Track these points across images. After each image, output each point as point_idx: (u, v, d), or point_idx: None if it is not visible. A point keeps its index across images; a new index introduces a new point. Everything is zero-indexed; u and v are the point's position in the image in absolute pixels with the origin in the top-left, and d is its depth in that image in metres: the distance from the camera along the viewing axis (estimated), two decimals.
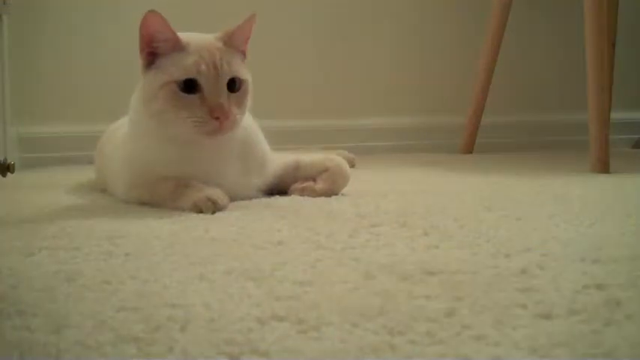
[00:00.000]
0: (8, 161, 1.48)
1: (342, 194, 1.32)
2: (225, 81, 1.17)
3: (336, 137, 2.31)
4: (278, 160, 1.35)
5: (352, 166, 1.64)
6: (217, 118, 1.15)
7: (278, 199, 1.27)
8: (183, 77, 1.16)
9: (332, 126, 2.37)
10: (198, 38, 1.21)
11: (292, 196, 1.30)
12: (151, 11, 1.16)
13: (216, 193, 1.17)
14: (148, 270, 0.79)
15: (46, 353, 0.55)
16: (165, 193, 1.21)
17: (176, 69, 1.16)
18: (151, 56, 1.19)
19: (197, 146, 1.20)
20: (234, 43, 1.22)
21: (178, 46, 1.18)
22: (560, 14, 2.53)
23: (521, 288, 0.70)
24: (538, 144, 2.49)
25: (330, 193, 1.30)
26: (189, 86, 1.16)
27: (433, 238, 0.94)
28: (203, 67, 1.16)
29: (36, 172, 1.93)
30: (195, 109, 1.15)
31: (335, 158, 1.35)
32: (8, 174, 1.47)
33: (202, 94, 1.16)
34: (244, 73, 1.22)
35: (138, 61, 1.22)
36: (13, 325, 0.61)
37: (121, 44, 2.20)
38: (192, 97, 1.16)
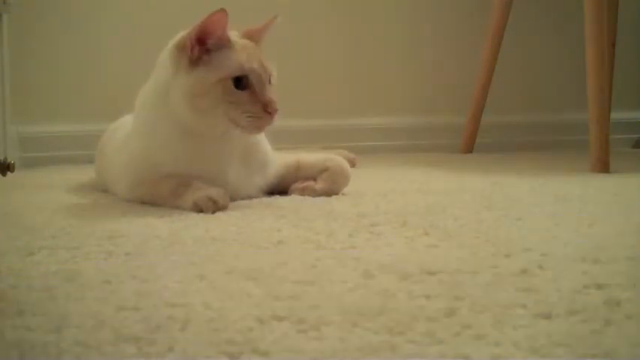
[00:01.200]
0: (8, 160, 1.47)
1: (343, 194, 1.32)
2: (268, 78, 1.21)
3: (337, 137, 2.31)
4: (279, 160, 1.35)
5: (353, 165, 1.64)
6: (269, 113, 1.18)
7: (278, 199, 1.28)
8: (237, 74, 1.18)
9: (332, 126, 2.37)
10: (232, 36, 1.23)
11: (292, 195, 1.30)
12: (222, 9, 1.16)
13: (217, 193, 1.17)
14: (148, 269, 0.79)
15: (46, 353, 0.55)
16: (165, 192, 1.21)
17: (229, 66, 1.18)
18: (200, 52, 1.19)
19: (206, 146, 1.22)
20: (259, 41, 1.26)
21: (227, 44, 1.20)
22: (560, 14, 2.53)
23: (521, 288, 0.70)
24: (538, 144, 2.48)
25: (331, 192, 1.30)
26: (239, 83, 1.18)
27: (433, 238, 0.94)
28: (255, 64, 1.19)
29: (36, 172, 1.93)
30: (249, 105, 1.18)
31: (335, 158, 1.36)
32: (8, 173, 1.47)
33: (252, 90, 1.18)
34: (274, 69, 1.25)
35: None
36: (12, 324, 0.61)
37: (121, 44, 2.20)
38: (244, 94, 1.18)
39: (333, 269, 0.78)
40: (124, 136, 1.35)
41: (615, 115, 2.23)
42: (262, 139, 1.32)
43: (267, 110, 1.18)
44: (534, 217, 1.10)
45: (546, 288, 0.70)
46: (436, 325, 0.60)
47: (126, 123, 1.40)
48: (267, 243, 0.92)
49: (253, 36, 1.26)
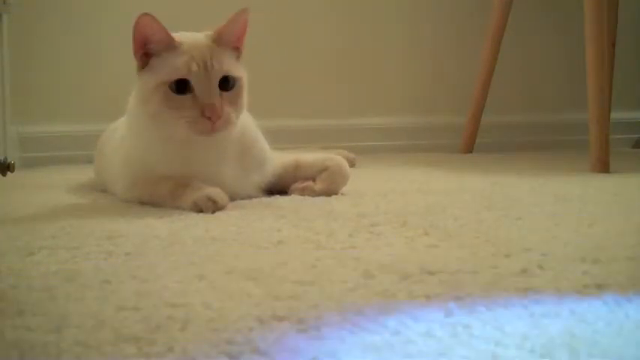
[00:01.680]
0: (8, 160, 1.47)
1: (342, 194, 1.32)
2: (217, 80, 1.17)
3: (337, 137, 2.31)
4: (278, 160, 1.35)
5: (352, 165, 1.64)
6: (209, 118, 1.15)
7: (278, 199, 1.27)
8: (175, 78, 1.16)
9: (332, 126, 2.37)
10: (190, 37, 1.21)
11: (292, 195, 1.30)
12: (144, 14, 1.16)
13: (216, 193, 1.17)
14: (148, 269, 0.79)
15: (45, 353, 0.55)
16: (165, 192, 1.21)
17: (167, 70, 1.17)
18: (145, 57, 1.19)
19: (195, 146, 1.20)
20: (225, 40, 1.21)
21: (171, 46, 1.18)
22: (560, 14, 2.53)
23: (521, 288, 0.70)
24: (538, 144, 2.48)
25: (330, 192, 1.30)
26: (181, 86, 1.16)
27: (433, 238, 0.94)
28: (194, 66, 1.15)
29: (36, 172, 1.93)
30: (188, 109, 1.15)
31: (335, 158, 1.35)
32: (8, 173, 1.47)
33: (194, 94, 1.16)
34: (237, 70, 1.21)
35: (134, 62, 1.22)
36: (12, 324, 0.61)
37: (121, 44, 2.20)
38: (185, 98, 1.16)
39: (333, 269, 0.78)
40: (122, 136, 1.35)
41: (615, 115, 2.22)
42: (258, 138, 1.32)
43: (205, 115, 1.14)
44: (534, 217, 1.10)
45: (546, 288, 0.70)
46: (436, 325, 0.59)
47: (125, 123, 1.40)
48: (267, 243, 0.92)
49: (221, 35, 1.21)
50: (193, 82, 1.16)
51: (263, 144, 1.33)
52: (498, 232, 0.97)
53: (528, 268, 0.77)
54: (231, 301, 0.67)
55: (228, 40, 1.22)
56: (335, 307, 0.64)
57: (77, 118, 2.17)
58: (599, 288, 0.69)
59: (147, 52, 1.19)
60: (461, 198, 1.32)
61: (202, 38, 1.21)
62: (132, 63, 1.22)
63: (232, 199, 1.22)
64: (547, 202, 1.26)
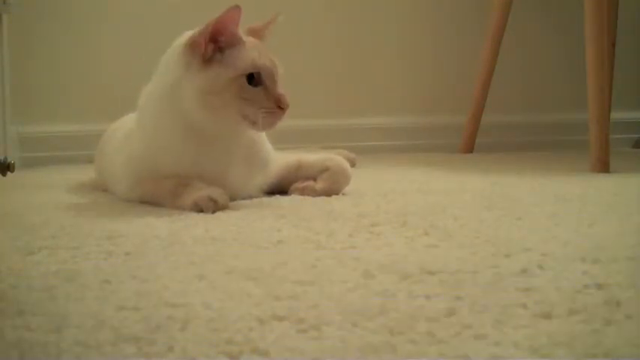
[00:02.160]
0: (8, 160, 1.47)
1: (342, 194, 1.32)
2: (277, 74, 1.22)
3: (337, 137, 2.31)
4: (279, 160, 1.35)
5: (353, 165, 1.64)
6: (282, 108, 1.19)
7: (278, 199, 1.27)
8: (251, 71, 1.19)
9: (332, 126, 2.37)
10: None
11: (293, 195, 1.30)
12: (237, 6, 1.16)
13: (217, 193, 1.17)
14: (148, 269, 0.79)
15: (45, 353, 0.55)
16: (165, 192, 1.21)
17: (242, 63, 1.19)
18: (213, 50, 1.19)
19: (209, 146, 1.22)
20: (264, 38, 1.28)
21: (240, 42, 1.21)
22: (560, 14, 2.53)
23: (521, 288, 0.70)
24: (538, 144, 2.48)
25: (331, 192, 1.30)
26: (251, 80, 1.19)
27: (433, 238, 0.94)
28: (266, 61, 1.20)
29: (36, 171, 1.93)
30: (264, 101, 1.19)
31: (336, 158, 1.35)
32: (8, 173, 1.47)
33: (265, 87, 1.19)
34: (281, 66, 1.25)
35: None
36: (12, 324, 0.61)
37: (122, 44, 2.20)
38: (258, 90, 1.19)
39: (333, 269, 0.78)
40: (125, 135, 1.35)
41: (615, 115, 2.22)
42: (263, 139, 1.33)
43: (279, 105, 1.19)
44: (534, 217, 1.10)
45: (546, 288, 0.70)
46: (436, 325, 0.59)
47: (126, 123, 1.40)
48: (267, 243, 0.92)
49: (257, 33, 1.27)
50: (265, 75, 1.20)
51: (267, 145, 1.34)
52: (498, 232, 0.97)
53: (528, 268, 0.77)
54: (231, 301, 0.67)
55: (265, 39, 1.28)
56: (335, 307, 0.64)
57: (77, 118, 2.17)
58: (599, 288, 0.69)
59: (217, 46, 1.19)
60: (461, 198, 1.32)
61: (249, 36, 1.25)
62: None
63: (235, 199, 1.22)
64: (547, 202, 1.26)
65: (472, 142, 2.35)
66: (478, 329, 0.59)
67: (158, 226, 1.04)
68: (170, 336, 0.58)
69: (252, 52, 1.20)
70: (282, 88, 1.22)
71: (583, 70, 1.81)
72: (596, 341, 0.56)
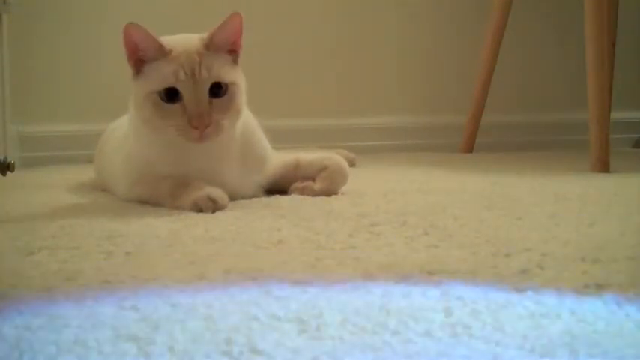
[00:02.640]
0: (8, 160, 1.47)
1: (342, 193, 1.32)
2: (206, 87, 1.16)
3: (337, 136, 2.31)
4: (278, 160, 1.35)
5: (352, 165, 1.64)
6: (197, 128, 1.14)
7: (278, 199, 1.27)
8: (163, 87, 1.16)
9: (332, 125, 2.37)
10: (182, 42, 1.20)
11: (292, 195, 1.30)
12: (130, 24, 1.16)
13: (216, 192, 1.17)
14: (148, 269, 0.79)
15: (46, 352, 0.55)
16: (165, 192, 1.21)
17: (156, 79, 1.17)
18: (139, 64, 1.19)
19: (195, 148, 1.20)
20: (217, 44, 1.19)
21: (162, 53, 1.18)
22: (560, 14, 2.53)
23: (521, 288, 0.70)
24: (538, 144, 2.48)
25: (329, 192, 1.30)
26: (171, 95, 1.16)
27: (433, 238, 0.94)
28: (182, 75, 1.15)
29: (36, 171, 1.93)
30: (177, 118, 1.15)
31: (334, 157, 1.35)
32: (8, 173, 1.47)
33: (183, 103, 1.16)
34: (230, 75, 1.19)
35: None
36: (13, 324, 0.61)
37: (121, 44, 2.20)
38: (174, 106, 1.16)
39: (332, 269, 0.78)
40: (123, 136, 1.35)
41: (615, 115, 2.22)
42: (260, 138, 1.32)
43: (192, 125, 1.14)
44: (534, 217, 1.10)
45: (546, 288, 0.70)
46: (436, 325, 0.59)
47: (125, 123, 1.40)
48: (267, 243, 0.92)
49: (212, 39, 1.19)
50: (182, 90, 1.15)
51: (264, 144, 1.33)
52: (498, 232, 0.97)
53: (528, 268, 0.77)
54: (231, 301, 0.67)
55: (221, 45, 1.20)
56: (335, 307, 0.64)
57: (77, 118, 2.17)
58: (599, 288, 0.69)
59: (139, 59, 1.19)
60: (461, 198, 1.31)
61: (195, 42, 1.19)
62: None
63: (233, 198, 1.22)
64: (547, 202, 1.26)
65: (472, 142, 2.35)
66: (478, 329, 0.58)
67: (158, 226, 1.04)
68: (170, 336, 0.58)
69: (169, 66, 1.16)
70: (204, 105, 1.14)
71: (583, 70, 1.81)
72: (596, 341, 0.56)
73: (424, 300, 0.66)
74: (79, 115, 2.18)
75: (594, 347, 0.54)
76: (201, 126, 1.14)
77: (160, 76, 1.16)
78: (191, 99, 1.15)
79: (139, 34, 1.17)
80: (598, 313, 0.62)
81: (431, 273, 0.75)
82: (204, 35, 1.21)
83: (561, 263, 0.80)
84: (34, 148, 2.13)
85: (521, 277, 0.74)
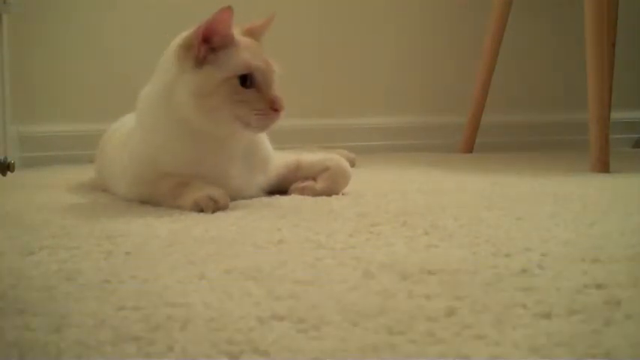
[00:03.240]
0: (8, 160, 1.47)
1: (342, 194, 1.32)
2: (273, 75, 1.21)
3: (337, 136, 2.31)
4: (279, 160, 1.35)
5: (352, 165, 1.64)
6: (276, 110, 1.18)
7: (278, 199, 1.27)
8: (243, 72, 1.18)
9: (332, 125, 2.37)
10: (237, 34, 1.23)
11: (292, 195, 1.30)
12: (228, 7, 1.16)
13: (217, 192, 1.17)
14: (148, 269, 0.79)
15: (46, 352, 0.55)
16: (165, 191, 1.21)
17: (235, 64, 1.18)
18: (206, 51, 1.18)
19: (209, 146, 1.21)
20: (261, 38, 1.27)
21: (233, 42, 1.20)
22: (561, 14, 2.53)
23: (521, 287, 0.70)
24: (538, 143, 2.48)
25: (331, 192, 1.30)
26: (245, 81, 1.18)
27: (433, 238, 0.94)
28: (260, 62, 1.19)
29: (36, 171, 1.93)
30: (257, 102, 1.18)
31: (335, 157, 1.35)
32: (8, 173, 1.47)
33: (259, 88, 1.19)
34: (277, 66, 1.25)
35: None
36: (13, 324, 0.61)
37: (121, 44, 2.20)
38: (250, 92, 1.18)
39: (333, 269, 0.78)
40: (125, 135, 1.35)
41: (615, 115, 2.22)
42: (263, 139, 1.33)
43: (273, 107, 1.18)
44: (534, 217, 1.10)
45: (546, 288, 0.70)
46: (436, 325, 0.59)
47: (126, 123, 1.40)
48: (267, 243, 0.92)
49: (254, 33, 1.26)
50: (258, 76, 1.19)
51: (267, 145, 1.33)
52: (498, 232, 0.97)
53: (528, 268, 0.77)
54: (231, 301, 0.67)
55: (262, 39, 1.27)
56: (335, 307, 0.64)
57: (78, 118, 2.17)
58: (599, 288, 0.69)
59: (210, 47, 1.18)
60: (461, 198, 1.32)
61: (245, 36, 1.24)
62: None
63: (235, 199, 1.22)
64: (547, 202, 1.26)
65: (472, 142, 2.35)
66: (478, 329, 0.59)
67: (158, 226, 1.04)
68: (170, 336, 0.58)
69: (245, 53, 1.19)
70: (277, 90, 1.21)
71: (583, 70, 1.81)
72: (596, 341, 0.56)
73: (424, 300, 0.66)
74: (79, 115, 2.18)
75: (594, 347, 0.54)
76: (280, 108, 1.19)
77: (239, 62, 1.18)
78: (268, 85, 1.20)
79: (230, 20, 1.18)
80: (598, 313, 0.62)
81: (431, 273, 0.75)
82: (243, 29, 1.25)
83: (561, 263, 0.80)
84: (34, 148, 2.13)
85: (521, 277, 0.74)
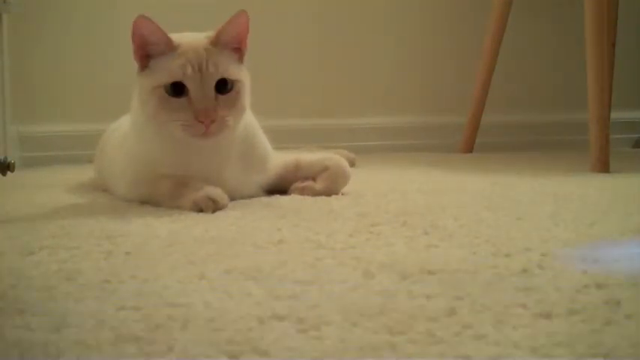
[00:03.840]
0: (8, 160, 1.47)
1: (342, 193, 1.32)
2: (213, 83, 1.16)
3: (336, 136, 2.31)
4: (279, 160, 1.35)
5: (352, 165, 1.64)
6: (202, 122, 1.14)
7: (278, 199, 1.27)
8: (170, 81, 1.16)
9: (332, 125, 2.37)
10: (189, 38, 1.21)
11: (292, 195, 1.30)
12: (141, 16, 1.16)
13: (217, 192, 1.17)
14: (148, 269, 0.79)
15: (45, 352, 0.55)
16: (165, 191, 1.21)
17: (164, 73, 1.17)
18: (145, 59, 1.20)
19: (197, 146, 1.20)
20: (223, 41, 1.20)
21: (169, 48, 1.18)
22: (561, 14, 2.53)
23: (521, 287, 0.70)
24: (538, 143, 2.48)
25: (330, 192, 1.30)
26: (177, 89, 1.16)
27: (433, 238, 0.94)
28: (189, 69, 1.15)
29: (36, 171, 1.93)
30: (183, 112, 1.15)
31: (335, 157, 1.35)
32: (8, 173, 1.47)
33: (189, 97, 1.16)
34: (236, 73, 1.20)
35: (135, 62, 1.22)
36: (12, 324, 0.61)
37: (121, 43, 2.20)
38: (181, 101, 1.16)
39: (333, 269, 0.78)
40: (123, 135, 1.35)
41: (615, 115, 2.22)
42: (261, 138, 1.32)
43: (199, 119, 1.14)
44: (534, 217, 1.10)
45: (546, 287, 0.70)
46: (436, 325, 0.59)
47: (125, 122, 1.40)
48: (267, 243, 0.92)
49: (219, 36, 1.20)
50: (188, 85, 1.15)
51: (265, 144, 1.33)
52: (498, 232, 0.97)
53: (528, 268, 0.77)
54: (231, 301, 0.67)
55: (228, 42, 1.21)
56: (335, 307, 0.64)
57: (77, 118, 2.17)
58: (599, 288, 0.69)
59: (146, 54, 1.20)
60: (461, 198, 1.32)
61: (202, 39, 1.20)
62: (132, 62, 1.22)
63: (233, 198, 1.22)
64: (547, 202, 1.26)
65: (472, 142, 2.35)
66: (478, 329, 0.58)
67: (158, 226, 1.04)
68: (170, 335, 0.58)
69: (176, 61, 1.16)
70: (210, 100, 1.14)
71: (583, 70, 1.81)
72: (596, 341, 0.56)
73: (424, 300, 0.66)
74: (79, 115, 2.18)
75: (594, 347, 0.54)
76: (207, 121, 1.14)
77: (168, 70, 1.16)
78: (198, 94, 1.15)
79: (149, 26, 1.17)
80: (598, 313, 0.62)
81: (431, 273, 0.75)
82: (210, 33, 1.21)
83: (561, 263, 0.80)
84: (34, 148, 2.13)
85: (521, 277, 0.74)
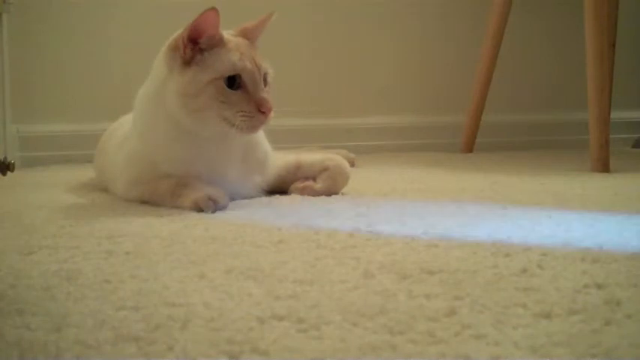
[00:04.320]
0: (8, 160, 1.47)
1: (342, 193, 1.32)
2: (262, 76, 1.20)
3: (337, 137, 2.31)
4: (279, 160, 1.35)
5: (352, 165, 1.64)
6: (263, 112, 1.17)
7: (278, 199, 1.28)
8: (230, 73, 1.17)
9: (332, 125, 2.37)
10: (226, 34, 1.22)
11: (292, 195, 1.30)
12: (213, 8, 1.15)
13: (217, 192, 1.17)
14: (148, 269, 0.79)
15: (45, 352, 0.55)
16: (165, 191, 1.21)
17: (221, 65, 1.17)
18: (193, 52, 1.18)
19: (205, 146, 1.21)
20: (254, 39, 1.25)
21: (221, 43, 1.19)
22: (560, 14, 2.53)
23: (521, 287, 0.70)
24: (538, 143, 2.48)
25: (330, 192, 1.30)
26: (232, 82, 1.17)
27: (433, 238, 0.94)
28: (247, 63, 1.18)
29: (36, 171, 1.93)
30: (243, 104, 1.17)
31: (335, 158, 1.36)
32: (8, 173, 1.47)
33: (245, 90, 1.18)
34: (269, 67, 1.24)
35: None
36: (12, 323, 0.61)
37: (121, 43, 2.20)
38: (237, 93, 1.17)
39: (333, 269, 0.78)
40: (124, 135, 1.35)
41: (615, 115, 2.22)
42: (262, 139, 1.33)
43: (260, 110, 1.17)
44: (534, 216, 1.10)
45: (546, 287, 0.70)
46: (436, 325, 0.59)
47: (126, 122, 1.40)
48: (267, 242, 0.92)
49: (248, 34, 1.25)
50: (246, 78, 1.18)
51: (266, 145, 1.33)
52: (498, 232, 0.97)
53: (528, 268, 0.77)
54: (231, 300, 0.67)
55: (256, 39, 1.26)
56: (335, 306, 0.64)
57: (77, 118, 2.17)
58: (599, 288, 0.69)
59: (195, 48, 1.18)
60: (461, 198, 1.31)
61: (239, 37, 1.23)
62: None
63: (233, 199, 1.22)
64: (547, 201, 1.26)
65: (472, 142, 2.35)
66: (478, 329, 0.59)
67: (158, 226, 1.04)
68: (170, 335, 0.58)
69: (232, 54, 1.18)
70: (269, 91, 1.20)
71: (583, 70, 1.81)
72: (596, 341, 0.56)
73: (424, 300, 0.66)
74: (79, 115, 2.18)
75: (594, 347, 0.54)
76: (267, 110, 1.17)
77: (226, 63, 1.17)
78: (255, 86, 1.18)
79: (216, 21, 1.17)
80: (598, 312, 0.62)
81: (431, 273, 0.75)
82: (234, 31, 1.24)
83: (561, 263, 0.80)
84: (34, 148, 2.13)
85: (521, 277, 0.74)
